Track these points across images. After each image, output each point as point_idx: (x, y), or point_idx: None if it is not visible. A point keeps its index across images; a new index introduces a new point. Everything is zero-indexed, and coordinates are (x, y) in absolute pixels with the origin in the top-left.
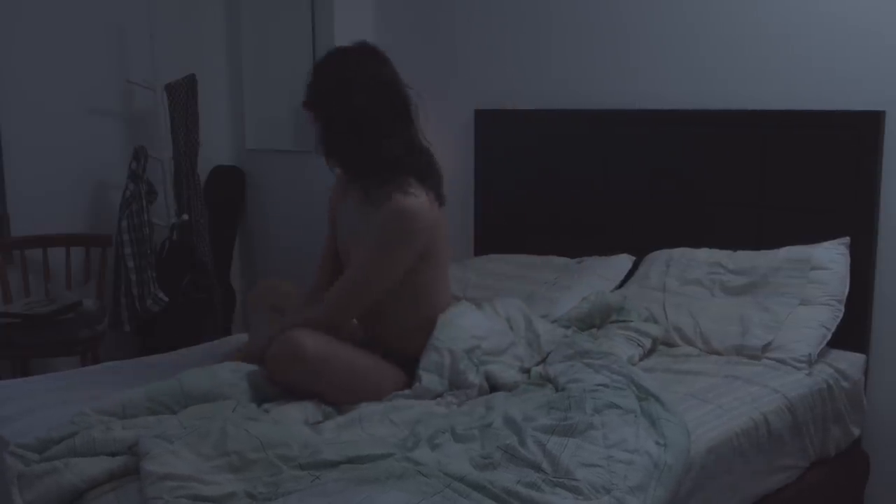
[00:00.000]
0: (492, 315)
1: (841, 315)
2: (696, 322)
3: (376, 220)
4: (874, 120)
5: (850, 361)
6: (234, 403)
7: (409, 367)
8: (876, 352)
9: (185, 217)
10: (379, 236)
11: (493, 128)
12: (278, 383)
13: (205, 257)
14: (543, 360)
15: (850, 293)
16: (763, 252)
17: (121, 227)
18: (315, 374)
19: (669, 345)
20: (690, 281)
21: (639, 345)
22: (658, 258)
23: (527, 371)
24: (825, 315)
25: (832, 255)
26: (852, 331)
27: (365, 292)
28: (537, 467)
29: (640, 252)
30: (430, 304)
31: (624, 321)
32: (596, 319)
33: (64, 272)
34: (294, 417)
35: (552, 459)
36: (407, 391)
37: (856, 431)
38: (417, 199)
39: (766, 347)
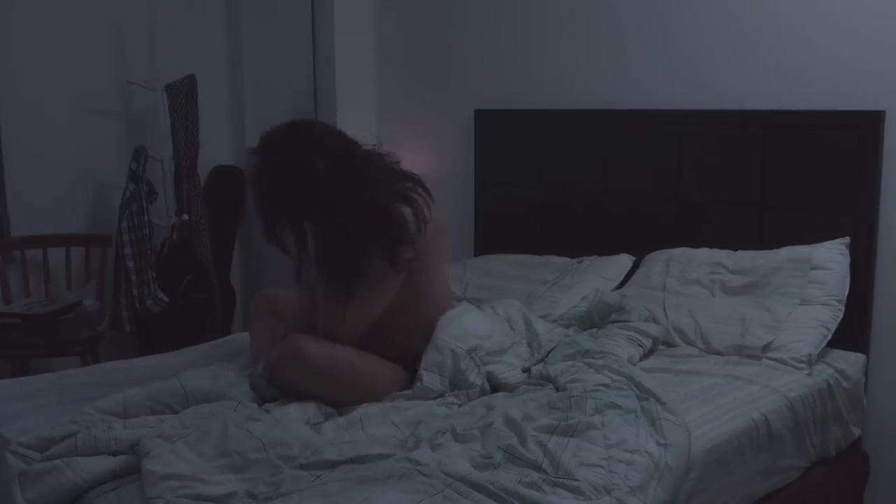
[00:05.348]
0: (492, 315)
1: (841, 315)
2: (696, 322)
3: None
4: (874, 120)
5: (850, 361)
6: (235, 403)
7: (409, 365)
8: (876, 352)
9: (185, 217)
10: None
11: (493, 128)
12: (280, 388)
13: (205, 257)
14: (544, 360)
15: (850, 293)
16: (763, 252)
17: (121, 228)
18: (318, 378)
19: (669, 345)
20: (690, 281)
21: (639, 345)
22: (658, 258)
23: (527, 371)
24: (825, 315)
25: (832, 255)
26: (852, 331)
27: (371, 313)
28: (538, 467)
29: (640, 252)
30: (430, 304)
31: (624, 321)
32: (595, 319)
33: (64, 272)
34: (295, 417)
35: (553, 459)
36: (408, 391)
37: (856, 431)
38: (401, 214)
39: (767, 347)
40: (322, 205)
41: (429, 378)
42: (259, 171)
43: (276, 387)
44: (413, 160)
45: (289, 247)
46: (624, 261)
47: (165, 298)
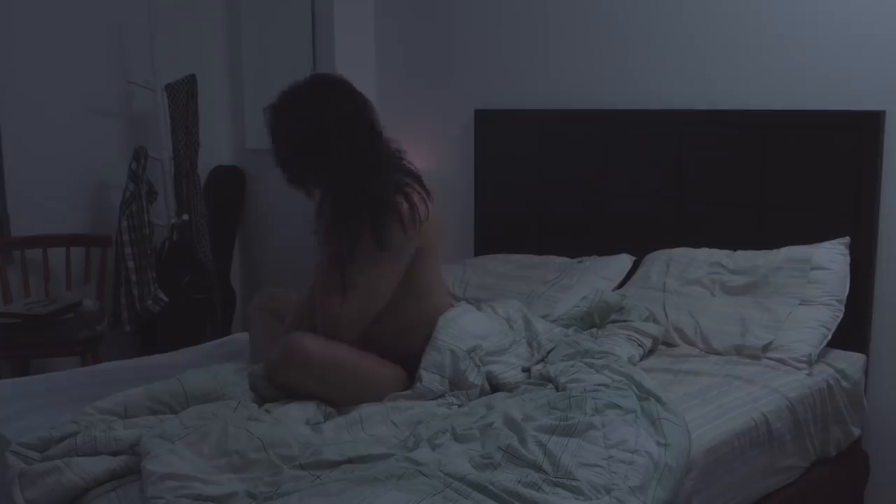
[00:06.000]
0: (491, 315)
1: (841, 315)
2: (696, 322)
3: (369, 235)
4: (874, 120)
5: (850, 361)
6: (235, 403)
7: (407, 365)
8: (876, 352)
9: (185, 217)
10: (371, 250)
11: (493, 128)
12: (280, 387)
13: (205, 257)
14: (544, 360)
15: (850, 293)
16: (763, 252)
17: (121, 227)
18: (318, 377)
19: (669, 345)
20: (690, 281)
21: (639, 345)
22: (658, 258)
23: (527, 370)
24: (825, 315)
25: (832, 255)
26: (852, 331)
27: (369, 309)
28: (538, 467)
29: (640, 252)
30: (429, 304)
31: (624, 321)
32: (596, 319)
33: (64, 272)
34: (295, 417)
35: (552, 459)
36: (408, 391)
37: (856, 431)
38: (401, 208)
39: (767, 347)
40: (330, 167)
41: (428, 378)
42: (277, 122)
43: (276, 386)
44: (413, 160)
45: (311, 193)
46: (624, 261)
47: (165, 298)
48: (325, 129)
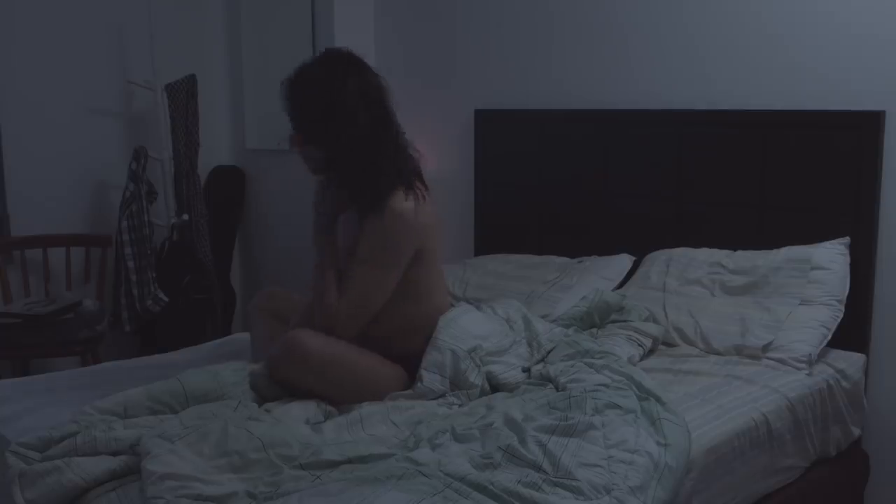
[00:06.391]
0: (491, 315)
1: (841, 315)
2: (696, 322)
3: (368, 230)
4: (874, 120)
5: (850, 361)
6: (235, 403)
7: (407, 365)
8: (876, 352)
9: (185, 217)
10: (370, 246)
11: (493, 128)
12: (279, 383)
13: (205, 257)
14: (544, 360)
15: (850, 293)
16: (763, 252)
17: (121, 227)
18: (318, 374)
19: (669, 345)
20: (690, 281)
21: (639, 345)
22: (658, 258)
23: (527, 371)
24: (825, 315)
25: (832, 255)
26: (852, 331)
27: (367, 305)
28: (538, 467)
29: (640, 252)
30: (426, 302)
31: (624, 321)
32: (595, 319)
33: (64, 272)
34: (296, 417)
35: (552, 459)
36: (408, 391)
37: (856, 431)
38: (402, 202)
39: (767, 347)
40: (343, 141)
41: (429, 378)
42: (292, 96)
43: (276, 383)
44: None
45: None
46: (624, 261)
47: (165, 298)
48: (339, 103)
